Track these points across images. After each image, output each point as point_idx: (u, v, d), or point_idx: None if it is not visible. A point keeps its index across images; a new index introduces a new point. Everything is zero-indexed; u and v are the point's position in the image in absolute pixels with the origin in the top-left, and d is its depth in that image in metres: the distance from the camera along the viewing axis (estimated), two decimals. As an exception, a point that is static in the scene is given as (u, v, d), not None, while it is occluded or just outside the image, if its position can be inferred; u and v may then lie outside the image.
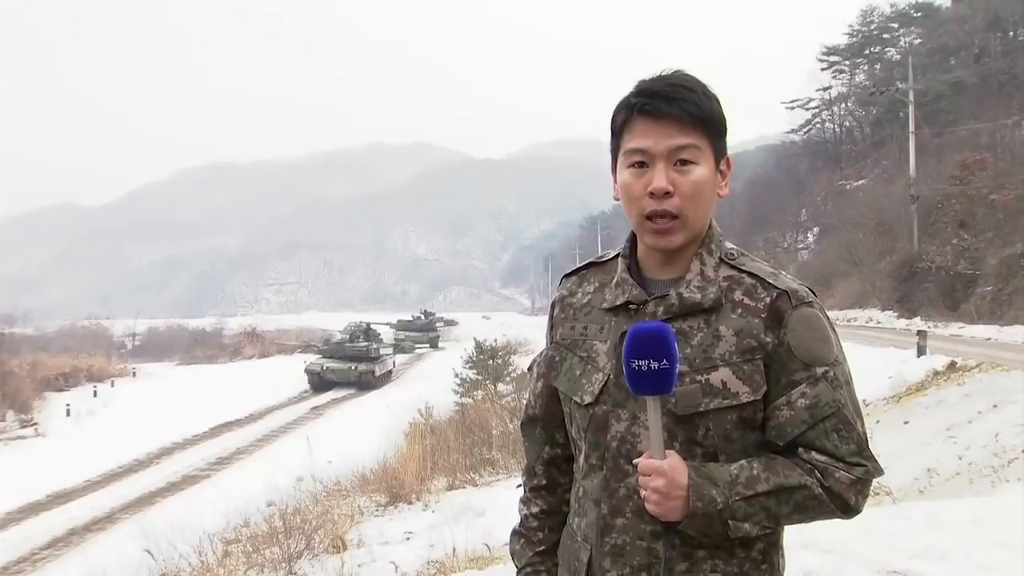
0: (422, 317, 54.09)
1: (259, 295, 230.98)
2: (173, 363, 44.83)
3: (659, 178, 1.30)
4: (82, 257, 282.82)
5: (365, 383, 29.18)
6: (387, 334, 53.51)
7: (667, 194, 1.30)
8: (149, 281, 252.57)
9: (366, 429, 18.08)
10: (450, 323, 67.16)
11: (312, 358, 30.99)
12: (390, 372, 32.35)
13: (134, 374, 37.53)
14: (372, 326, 64.10)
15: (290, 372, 34.65)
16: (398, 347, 35.95)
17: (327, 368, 29.38)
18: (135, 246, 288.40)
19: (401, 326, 52.09)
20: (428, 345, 49.58)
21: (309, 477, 12.99)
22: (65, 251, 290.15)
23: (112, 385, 33.09)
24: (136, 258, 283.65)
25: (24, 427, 24.24)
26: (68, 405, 26.40)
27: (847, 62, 49.71)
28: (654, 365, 1.21)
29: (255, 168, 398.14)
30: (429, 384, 23.00)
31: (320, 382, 29.35)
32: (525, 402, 1.57)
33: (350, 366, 29.42)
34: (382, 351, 31.85)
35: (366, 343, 31.32)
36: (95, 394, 29.63)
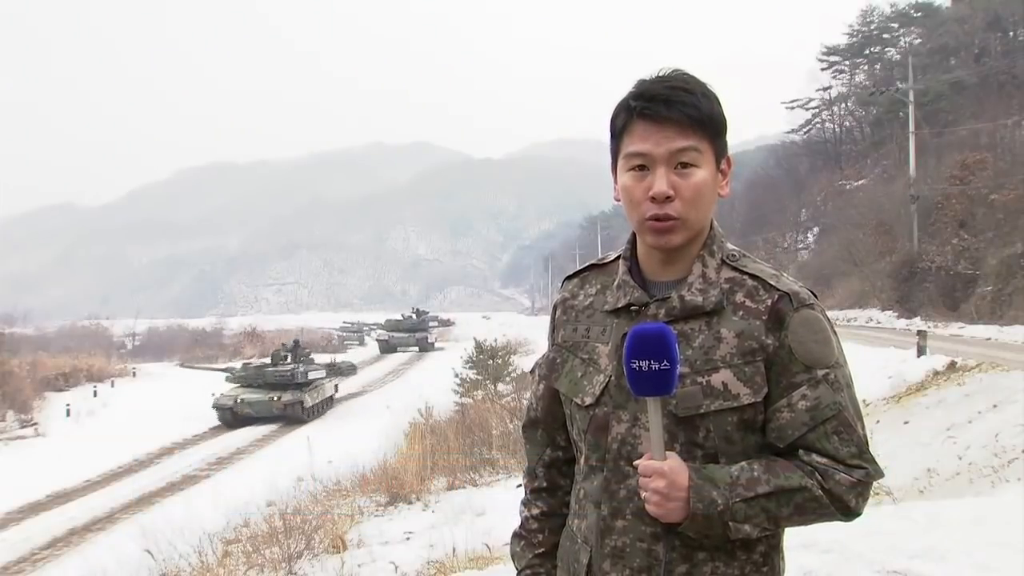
0: (413, 316, 47.94)
1: (259, 295, 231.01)
2: (173, 363, 44.87)
3: (660, 182, 1.30)
4: (82, 257, 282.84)
5: (292, 417, 22.96)
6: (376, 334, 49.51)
7: (668, 198, 1.30)
8: (149, 281, 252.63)
9: (366, 429, 18.09)
10: (445, 323, 60.50)
11: (226, 388, 24.23)
12: (331, 399, 26.05)
13: (134, 374, 37.56)
14: (365, 325, 61.71)
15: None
16: (336, 370, 27.50)
17: (242, 400, 23.06)
18: (135, 246, 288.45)
19: (390, 326, 46.93)
20: (417, 348, 43.50)
21: (309, 477, 13.00)
22: (65, 251, 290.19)
23: (112, 385, 33.12)
24: (136, 258, 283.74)
25: (24, 427, 24.26)
26: (68, 405, 26.42)
27: (847, 62, 49.73)
28: (654, 366, 1.21)
29: (255, 168, 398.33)
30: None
31: (233, 418, 22.97)
32: (527, 404, 1.57)
33: (271, 396, 23.00)
34: (313, 375, 24.75)
35: (292, 365, 24.43)
36: (95, 394, 29.65)
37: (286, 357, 25.18)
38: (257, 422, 22.98)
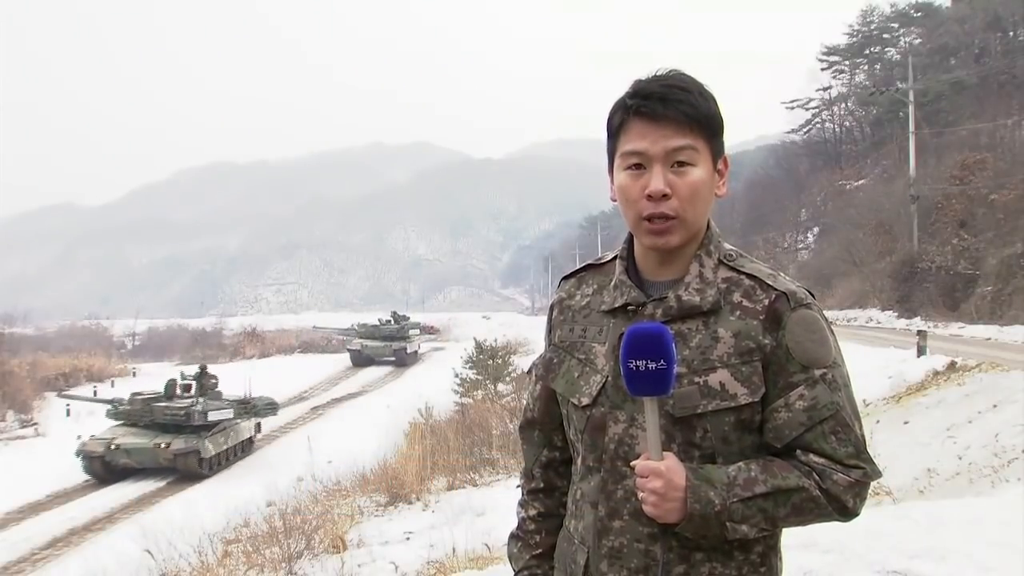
0: (391, 321, 40.28)
1: (259, 295, 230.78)
2: (173, 363, 44.88)
3: (656, 181, 1.30)
4: (82, 257, 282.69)
5: (185, 470, 17.34)
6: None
7: (665, 196, 1.30)
8: (149, 281, 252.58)
9: (366, 429, 18.11)
10: (428, 330, 48.64)
11: (107, 425, 18.52)
12: (250, 440, 20.39)
13: (134, 374, 37.57)
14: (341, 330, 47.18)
15: (289, 372, 34.69)
16: (250, 409, 20.14)
17: (117, 447, 17.13)
18: (135, 246, 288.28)
19: (364, 333, 38.71)
20: (393, 361, 36.21)
21: (309, 477, 13.02)
22: (65, 251, 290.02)
23: (112, 385, 33.09)
24: (136, 258, 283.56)
25: (24, 427, 24.29)
26: (68, 405, 26.39)
27: (847, 62, 49.75)
28: (651, 365, 1.21)
29: (255, 168, 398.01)
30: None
31: (105, 470, 17.13)
32: (524, 405, 1.57)
33: (157, 442, 17.27)
34: (216, 415, 18.42)
35: (189, 401, 18.34)
36: (95, 394, 29.62)
37: (188, 387, 19.25)
38: (139, 475, 17.52)
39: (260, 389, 27.73)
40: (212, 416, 18.22)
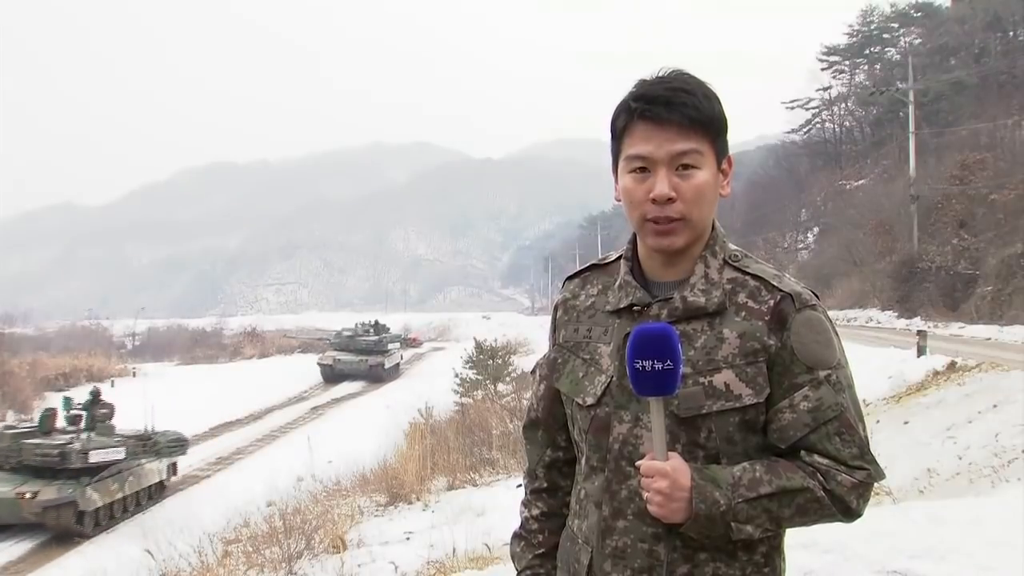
0: (370, 330, 36.49)
1: (259, 295, 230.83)
2: (173, 363, 44.87)
3: (661, 185, 1.30)
4: (82, 257, 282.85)
5: (58, 526, 13.30)
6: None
7: (669, 200, 1.30)
8: (149, 281, 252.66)
9: (366, 429, 18.13)
10: (409, 342, 44.34)
11: None
12: (160, 484, 16.47)
13: (134, 374, 37.57)
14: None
15: (290, 372, 34.71)
16: (151, 447, 16.27)
17: None
18: (135, 246, 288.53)
19: (338, 344, 35.25)
20: (366, 377, 32.93)
21: (309, 477, 13.03)
22: (65, 251, 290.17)
23: (112, 385, 33.10)
24: (136, 258, 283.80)
25: (24, 427, 24.20)
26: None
27: (847, 62, 49.80)
28: (658, 366, 1.21)
29: (255, 168, 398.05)
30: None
31: None
32: (527, 404, 1.58)
33: (24, 491, 13.09)
34: (99, 456, 14.17)
35: (67, 437, 14.30)
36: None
37: (76, 419, 15.20)
38: (5, 532, 13.50)
39: (259, 390, 27.61)
40: (95, 457, 14.05)
